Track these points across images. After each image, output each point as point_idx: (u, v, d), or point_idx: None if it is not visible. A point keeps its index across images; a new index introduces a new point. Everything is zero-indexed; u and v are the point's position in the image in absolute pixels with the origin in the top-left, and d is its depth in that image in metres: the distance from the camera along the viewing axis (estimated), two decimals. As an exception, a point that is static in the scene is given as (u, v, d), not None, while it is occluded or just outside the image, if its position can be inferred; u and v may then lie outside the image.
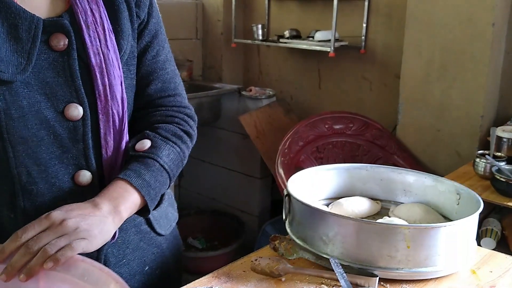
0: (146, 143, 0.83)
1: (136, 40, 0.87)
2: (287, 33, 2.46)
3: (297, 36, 2.46)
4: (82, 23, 0.78)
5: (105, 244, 0.75)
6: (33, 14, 0.74)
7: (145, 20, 0.88)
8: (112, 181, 0.79)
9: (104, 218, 0.71)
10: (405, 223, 0.96)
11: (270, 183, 2.65)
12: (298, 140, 2.07)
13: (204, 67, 2.97)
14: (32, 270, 0.62)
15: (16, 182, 0.77)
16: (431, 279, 0.87)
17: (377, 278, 0.83)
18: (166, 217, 0.99)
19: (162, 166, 0.82)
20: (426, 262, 0.85)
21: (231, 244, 2.53)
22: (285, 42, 2.45)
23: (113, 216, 0.73)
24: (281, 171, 1.98)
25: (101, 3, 0.81)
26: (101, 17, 0.80)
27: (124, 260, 0.88)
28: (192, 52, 2.87)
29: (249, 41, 2.68)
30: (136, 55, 0.88)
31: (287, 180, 1.93)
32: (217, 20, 2.85)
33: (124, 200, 0.76)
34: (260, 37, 2.61)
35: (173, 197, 1.07)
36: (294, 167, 2.00)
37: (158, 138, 0.84)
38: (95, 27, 0.79)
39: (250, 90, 2.59)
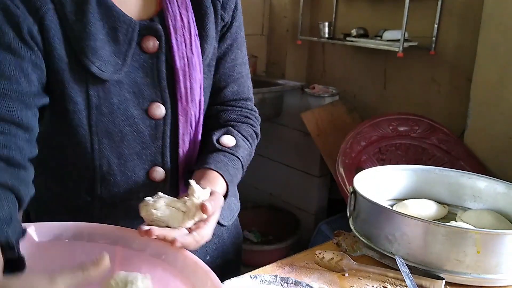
0: (231, 140, 0.88)
1: (218, 42, 0.89)
2: (354, 32, 2.43)
3: (364, 35, 2.43)
4: (171, 27, 0.80)
5: None
6: (131, 18, 0.78)
7: (229, 23, 0.89)
8: (205, 170, 0.83)
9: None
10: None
11: (329, 182, 2.63)
12: (361, 140, 2.04)
13: (268, 63, 2.99)
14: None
15: (97, 172, 0.82)
16: (499, 286, 0.84)
17: (444, 281, 0.81)
18: (229, 208, 1.01)
19: (242, 164, 0.89)
20: (496, 269, 0.82)
21: (286, 240, 2.54)
22: (352, 41, 2.43)
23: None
24: (341, 170, 1.96)
25: (190, 8, 0.83)
26: (188, 22, 0.82)
27: None
28: (257, 48, 2.90)
29: (315, 39, 2.68)
30: (216, 56, 0.90)
31: (347, 180, 1.94)
32: (284, 16, 2.86)
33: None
34: (326, 35, 2.60)
35: (236, 188, 1.09)
36: (355, 167, 1.97)
37: (239, 137, 0.90)
38: (183, 32, 0.81)
39: (313, 88, 2.58)
